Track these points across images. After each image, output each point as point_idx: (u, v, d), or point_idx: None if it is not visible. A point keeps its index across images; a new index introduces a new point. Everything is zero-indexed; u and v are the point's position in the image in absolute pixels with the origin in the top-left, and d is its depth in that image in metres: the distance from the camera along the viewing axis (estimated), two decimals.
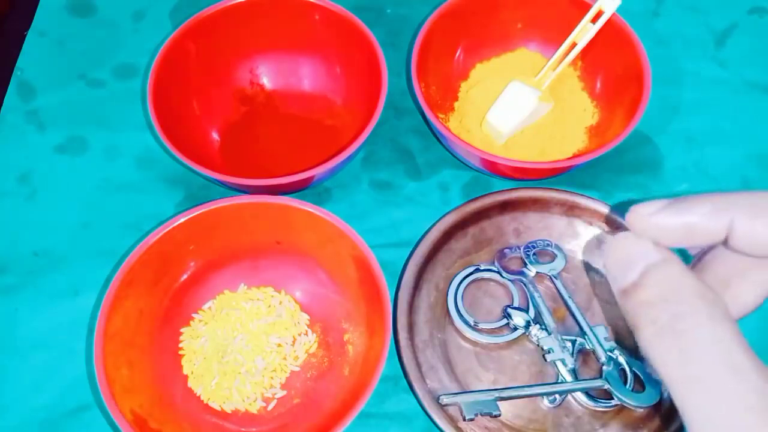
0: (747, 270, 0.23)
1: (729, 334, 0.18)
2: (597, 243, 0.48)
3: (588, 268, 0.48)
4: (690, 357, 0.18)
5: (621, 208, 0.48)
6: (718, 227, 0.21)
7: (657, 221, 0.21)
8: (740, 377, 0.18)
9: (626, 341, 0.45)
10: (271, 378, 0.44)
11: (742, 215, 0.20)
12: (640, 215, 0.22)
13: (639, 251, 0.21)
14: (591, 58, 0.53)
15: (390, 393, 0.44)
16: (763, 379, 0.18)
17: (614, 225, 0.47)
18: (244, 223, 0.44)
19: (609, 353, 0.43)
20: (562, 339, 0.44)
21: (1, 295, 0.47)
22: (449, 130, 0.47)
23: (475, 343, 0.45)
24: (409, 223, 0.50)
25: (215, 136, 0.53)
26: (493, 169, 0.48)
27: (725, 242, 0.21)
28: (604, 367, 0.42)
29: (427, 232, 0.47)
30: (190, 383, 0.43)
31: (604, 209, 0.47)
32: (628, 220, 0.22)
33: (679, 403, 0.18)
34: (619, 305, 0.21)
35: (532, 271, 0.47)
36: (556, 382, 0.43)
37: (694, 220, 0.21)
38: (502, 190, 0.48)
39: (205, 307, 0.46)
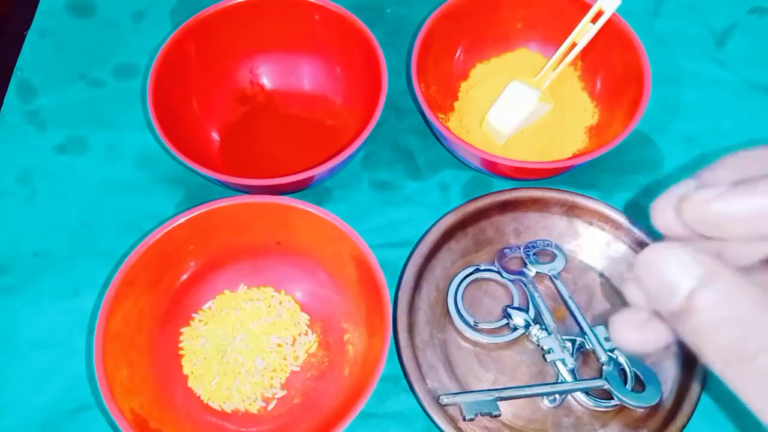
0: None
1: None
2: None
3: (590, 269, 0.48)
4: None
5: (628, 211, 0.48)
6: None
7: (721, 209, 0.17)
8: None
9: None
10: (271, 378, 0.44)
11: None
12: (698, 203, 0.17)
13: (679, 268, 0.17)
14: (591, 58, 0.53)
15: (390, 393, 0.44)
16: None
17: (620, 228, 0.47)
18: (244, 223, 0.44)
19: (609, 353, 0.43)
20: (562, 339, 0.44)
21: (1, 295, 0.47)
22: (449, 130, 0.47)
23: (475, 343, 0.45)
24: (409, 223, 0.50)
25: (215, 136, 0.53)
26: (493, 169, 0.48)
27: None
28: (604, 367, 0.42)
29: (427, 232, 0.47)
30: (190, 383, 0.43)
31: (604, 209, 0.47)
32: (682, 211, 0.18)
33: None
34: (671, 327, 0.18)
35: (532, 271, 0.47)
36: (556, 382, 0.43)
37: None
38: (502, 190, 0.48)
39: (205, 307, 0.46)
